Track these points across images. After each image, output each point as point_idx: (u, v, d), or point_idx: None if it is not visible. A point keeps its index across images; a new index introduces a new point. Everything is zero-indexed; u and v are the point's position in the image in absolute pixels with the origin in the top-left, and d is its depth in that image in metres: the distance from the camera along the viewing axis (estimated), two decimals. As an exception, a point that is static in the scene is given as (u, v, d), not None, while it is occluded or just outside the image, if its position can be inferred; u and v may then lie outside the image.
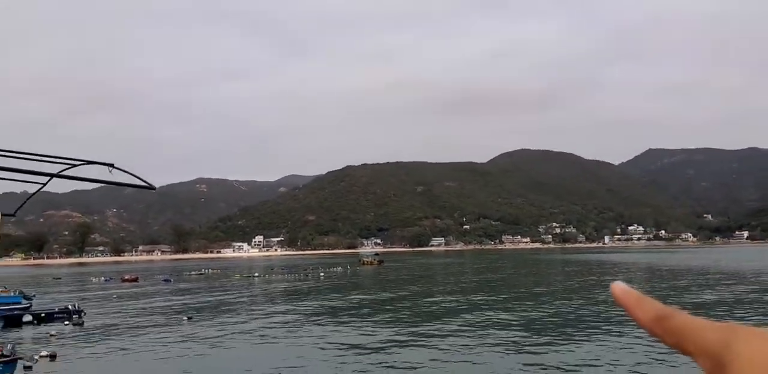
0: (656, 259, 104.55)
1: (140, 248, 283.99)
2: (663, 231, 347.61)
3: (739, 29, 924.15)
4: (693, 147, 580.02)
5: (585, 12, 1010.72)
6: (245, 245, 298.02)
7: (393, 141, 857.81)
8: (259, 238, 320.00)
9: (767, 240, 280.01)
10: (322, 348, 19.83)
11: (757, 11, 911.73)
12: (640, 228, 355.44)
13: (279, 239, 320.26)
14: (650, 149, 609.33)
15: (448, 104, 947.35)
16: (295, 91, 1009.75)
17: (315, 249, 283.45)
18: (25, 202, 3.51)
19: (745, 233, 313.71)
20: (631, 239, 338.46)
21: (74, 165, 2.94)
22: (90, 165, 2.98)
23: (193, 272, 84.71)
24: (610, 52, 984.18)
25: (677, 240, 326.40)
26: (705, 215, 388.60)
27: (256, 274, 73.25)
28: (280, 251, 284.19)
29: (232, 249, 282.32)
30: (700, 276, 54.85)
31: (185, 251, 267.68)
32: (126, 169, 2.96)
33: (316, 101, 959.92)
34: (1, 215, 3.19)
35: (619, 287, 0.59)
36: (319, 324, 26.15)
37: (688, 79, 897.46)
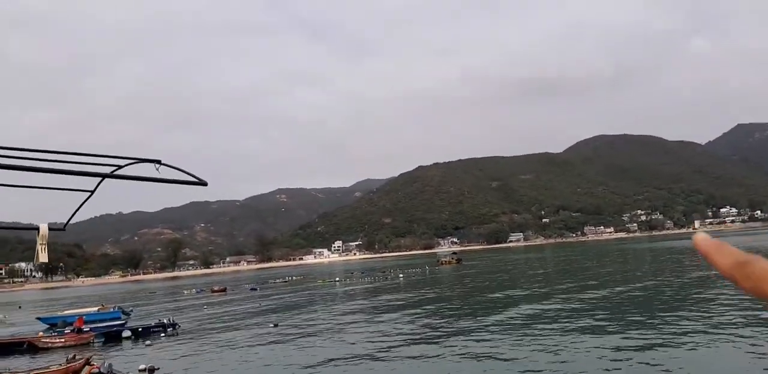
0: (753, 242, 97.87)
1: (228, 259, 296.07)
2: (759, 212, 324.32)
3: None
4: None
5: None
6: (325, 251, 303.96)
7: (464, 137, 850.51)
8: (338, 243, 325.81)
9: None
10: (407, 346, 20.03)
11: None
12: (734, 210, 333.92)
13: (357, 243, 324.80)
14: (739, 124, 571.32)
15: (518, 93, 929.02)
16: (363, 93, 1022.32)
17: (392, 251, 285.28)
18: (75, 213, 3.38)
19: None
20: (725, 222, 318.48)
21: (121, 166, 2.85)
22: (138, 163, 2.89)
23: (277, 280, 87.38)
24: (688, 25, 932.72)
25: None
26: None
27: (337, 279, 74.73)
28: (358, 255, 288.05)
29: (313, 255, 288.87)
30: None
31: (269, 259, 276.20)
32: (174, 165, 2.91)
33: (385, 101, 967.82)
34: (48, 229, 3.11)
35: (699, 235, 0.63)
36: (400, 324, 26.40)
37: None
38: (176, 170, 2.87)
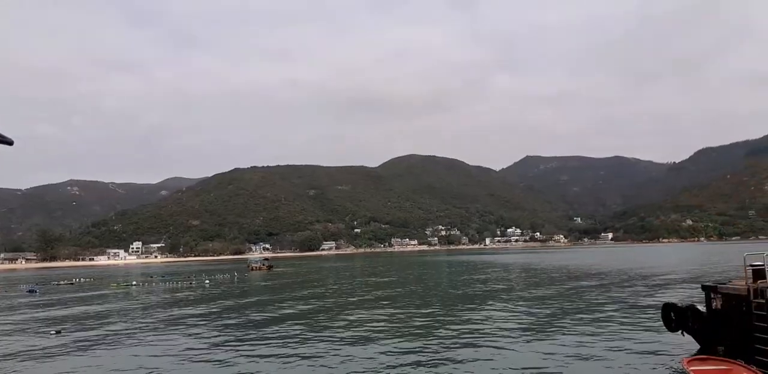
0: (530, 259, 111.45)
1: (1, 255, 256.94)
2: (538, 233, 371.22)
3: (611, 45, 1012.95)
4: (566, 155, 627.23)
5: (473, 20, 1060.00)
6: (122, 252, 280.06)
7: (286, 144, 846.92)
8: (137, 244, 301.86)
9: (628, 241, 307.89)
10: (205, 356, 18.56)
11: (627, 29, 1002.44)
12: (518, 230, 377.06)
13: (159, 245, 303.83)
14: (528, 156, 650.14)
15: (343, 107, 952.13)
16: (184, 88, 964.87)
17: (199, 256, 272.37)
18: None
19: (610, 235, 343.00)
20: (510, 241, 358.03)
21: None
22: None
23: (62, 282, 77.73)
24: (494, 61, 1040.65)
25: (550, 241, 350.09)
26: (575, 218, 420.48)
27: (134, 283, 68.48)
28: (160, 258, 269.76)
29: (107, 256, 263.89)
30: (557, 273, 58.97)
31: (53, 258, 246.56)
32: None
33: (207, 98, 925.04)
34: None
35: None
36: (198, 334, 24.60)
37: (563, 90, 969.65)
38: None
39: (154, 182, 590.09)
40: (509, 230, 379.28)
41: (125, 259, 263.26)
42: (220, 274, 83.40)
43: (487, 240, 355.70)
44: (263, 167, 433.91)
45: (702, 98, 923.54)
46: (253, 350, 20.24)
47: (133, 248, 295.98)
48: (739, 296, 16.03)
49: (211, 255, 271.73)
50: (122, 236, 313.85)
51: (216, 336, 23.74)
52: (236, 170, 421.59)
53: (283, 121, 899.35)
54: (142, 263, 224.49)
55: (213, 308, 36.36)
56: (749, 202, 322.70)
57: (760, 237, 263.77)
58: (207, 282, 67.91)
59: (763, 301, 14.61)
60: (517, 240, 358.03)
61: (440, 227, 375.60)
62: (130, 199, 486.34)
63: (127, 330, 26.91)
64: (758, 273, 15.74)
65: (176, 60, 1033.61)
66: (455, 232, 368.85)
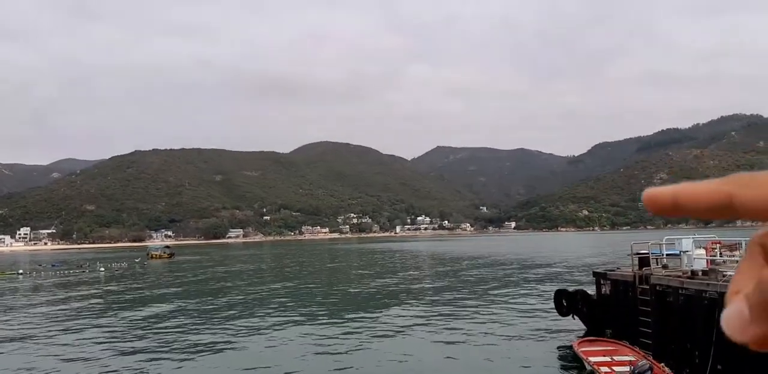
0: (438, 247, 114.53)
1: None
2: (446, 221, 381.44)
3: (521, 41, 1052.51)
4: (476, 146, 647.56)
5: (390, 8, 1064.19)
6: (7, 238, 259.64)
7: (190, 126, 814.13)
8: (25, 230, 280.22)
9: (530, 229, 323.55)
10: (95, 347, 17.27)
11: (537, 27, 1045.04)
12: (427, 219, 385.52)
13: (50, 231, 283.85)
14: (438, 147, 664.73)
15: (252, 89, 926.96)
16: (80, 60, 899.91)
17: (94, 243, 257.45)
18: None
19: (513, 224, 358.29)
20: (419, 229, 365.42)
21: None
22: None
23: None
24: (410, 51, 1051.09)
25: (458, 229, 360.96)
26: (481, 207, 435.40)
27: (20, 271, 63.26)
28: (51, 245, 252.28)
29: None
30: (461, 262, 61.01)
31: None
32: None
33: (106, 73, 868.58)
34: None
35: (650, 192, 0.52)
36: (91, 325, 22.96)
37: (475, 82, 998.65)
38: None
39: (45, 164, 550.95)
40: (419, 218, 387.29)
41: (11, 246, 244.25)
42: (117, 262, 78.92)
43: (398, 228, 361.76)
44: (166, 150, 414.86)
45: (601, 95, 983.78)
46: (145, 347, 19.09)
47: (20, 234, 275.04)
48: (626, 282, 16.93)
49: (108, 243, 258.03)
50: (8, 222, 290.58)
51: (104, 332, 22.21)
52: (137, 152, 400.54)
53: (189, 101, 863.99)
54: (30, 250, 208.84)
55: (105, 299, 34.18)
56: (639, 194, 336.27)
57: (648, 227, 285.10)
58: (102, 270, 64.21)
59: (647, 287, 15.48)
60: (426, 228, 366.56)
61: (352, 215, 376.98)
62: (17, 181, 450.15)
63: (8, 323, 24.60)
64: (643, 261, 16.68)
65: (71, 31, 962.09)
66: (367, 220, 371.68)
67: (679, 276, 14.67)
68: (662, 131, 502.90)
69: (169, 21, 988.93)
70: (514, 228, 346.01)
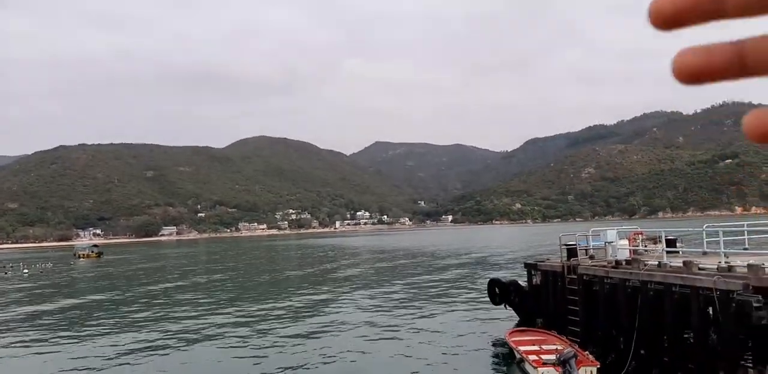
0: (376, 241, 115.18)
1: None
2: (386, 216, 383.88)
3: (455, 37, 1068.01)
4: (413, 141, 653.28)
5: (323, 2, 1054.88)
6: None
7: (119, 120, 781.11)
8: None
9: (466, 223, 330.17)
10: (25, 347, 16.31)
11: (470, 25, 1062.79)
12: (367, 214, 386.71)
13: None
14: (377, 142, 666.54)
15: (185, 82, 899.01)
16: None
17: (17, 243, 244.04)
18: None
19: (450, 217, 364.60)
20: (359, 224, 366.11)
21: None
22: None
23: None
24: (345, 45, 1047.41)
25: (397, 224, 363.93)
26: (420, 202, 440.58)
27: (-71, 275, 58.99)
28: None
29: None
30: (399, 257, 61.69)
31: None
32: None
33: (20, 63, 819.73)
34: None
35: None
36: (13, 323, 21.68)
37: (411, 77, 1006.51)
38: None
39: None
40: (359, 213, 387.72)
41: None
42: (42, 263, 75.08)
43: (337, 223, 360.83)
44: (93, 145, 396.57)
45: (531, 92, 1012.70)
46: (71, 351, 18.20)
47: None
48: (555, 272, 17.47)
49: (32, 242, 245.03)
50: None
51: (28, 328, 21.00)
52: (61, 147, 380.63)
53: (118, 95, 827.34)
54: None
55: (30, 297, 32.34)
56: (568, 188, 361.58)
57: (577, 219, 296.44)
58: (26, 271, 61.22)
59: (575, 277, 16.03)
60: (365, 223, 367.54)
61: (290, 210, 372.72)
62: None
63: None
64: (571, 252, 17.25)
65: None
66: (306, 216, 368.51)
67: (604, 266, 15.26)
68: (590, 127, 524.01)
69: (85, 11, 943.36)
70: (451, 222, 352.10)
